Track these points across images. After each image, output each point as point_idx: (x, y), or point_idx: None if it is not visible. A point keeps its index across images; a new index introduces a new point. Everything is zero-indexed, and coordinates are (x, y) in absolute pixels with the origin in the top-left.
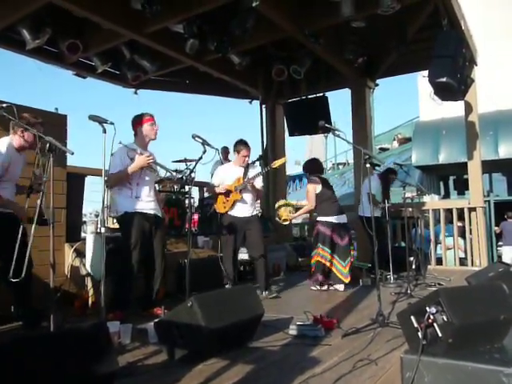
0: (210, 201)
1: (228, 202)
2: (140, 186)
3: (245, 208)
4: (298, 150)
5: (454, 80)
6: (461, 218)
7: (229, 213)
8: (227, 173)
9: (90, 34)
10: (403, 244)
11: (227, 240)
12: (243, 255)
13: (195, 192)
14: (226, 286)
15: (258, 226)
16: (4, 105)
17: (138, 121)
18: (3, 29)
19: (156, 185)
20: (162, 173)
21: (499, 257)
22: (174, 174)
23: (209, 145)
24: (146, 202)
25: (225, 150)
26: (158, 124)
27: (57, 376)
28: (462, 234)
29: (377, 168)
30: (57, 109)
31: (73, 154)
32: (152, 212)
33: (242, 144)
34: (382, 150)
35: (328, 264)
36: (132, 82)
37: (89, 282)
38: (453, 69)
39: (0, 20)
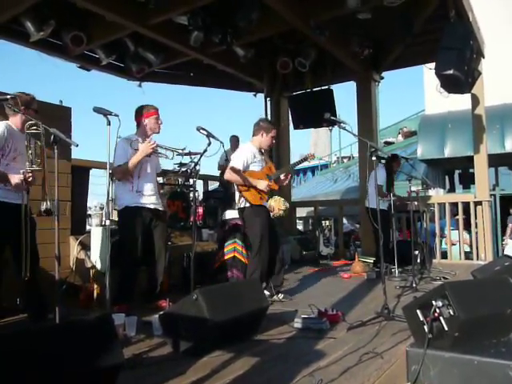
0: (215, 193)
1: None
2: (141, 179)
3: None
4: (302, 143)
5: (461, 72)
6: (465, 212)
7: (263, 204)
8: (255, 157)
9: (94, 26)
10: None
11: (261, 236)
12: None
13: (200, 185)
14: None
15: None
16: (8, 96)
17: (142, 112)
18: (7, 21)
19: (160, 178)
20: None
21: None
22: (180, 151)
23: (214, 137)
24: (147, 196)
25: (234, 139)
26: (161, 118)
27: (62, 368)
28: (466, 228)
29: (382, 161)
30: (61, 101)
31: (77, 145)
32: (153, 206)
33: (268, 123)
34: (387, 143)
35: (244, 260)
36: (136, 74)
37: (94, 275)
38: (460, 61)
39: (3, 12)
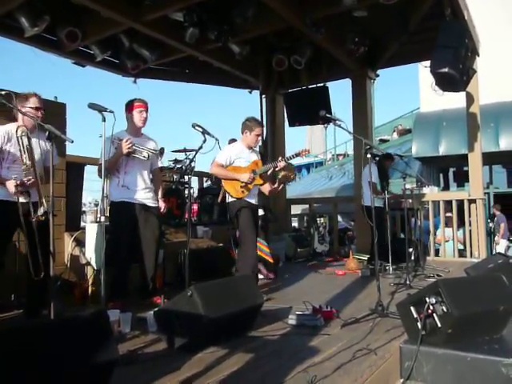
0: (210, 190)
1: (246, 186)
2: (128, 174)
3: (255, 196)
4: (297, 140)
5: (455, 71)
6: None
7: (245, 198)
8: (241, 154)
9: (89, 22)
10: (402, 235)
11: (248, 228)
12: None
13: (195, 182)
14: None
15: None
16: (3, 92)
17: (128, 107)
18: (1, 16)
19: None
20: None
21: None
22: (154, 152)
23: (209, 134)
24: (134, 191)
25: (233, 143)
26: (148, 112)
27: (57, 364)
28: (459, 226)
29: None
30: (56, 97)
31: (72, 142)
32: (140, 201)
33: (254, 121)
34: (382, 141)
35: (267, 257)
36: (131, 71)
37: (88, 271)
38: (455, 59)
39: None
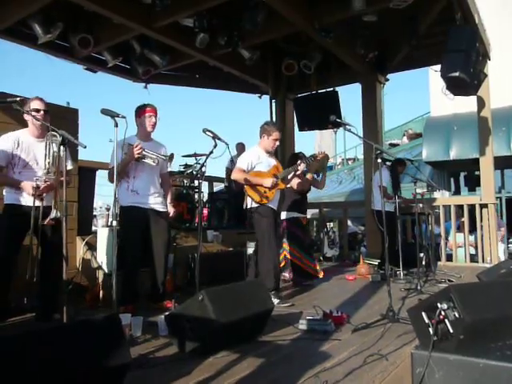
0: (220, 195)
1: (271, 191)
2: (137, 179)
3: (277, 201)
4: (306, 145)
5: (466, 75)
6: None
7: (267, 204)
8: (261, 158)
9: (101, 28)
10: (413, 240)
11: (269, 235)
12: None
13: (205, 186)
14: (274, 301)
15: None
16: (17, 98)
17: (138, 112)
18: (15, 23)
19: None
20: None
21: (510, 254)
22: (164, 157)
23: (219, 139)
24: (143, 196)
25: (240, 146)
26: (157, 116)
27: (70, 368)
28: (471, 230)
29: (387, 162)
30: (68, 103)
31: (85, 147)
32: (148, 206)
33: (272, 125)
34: (392, 145)
35: (296, 261)
36: (142, 76)
37: (100, 275)
38: (466, 63)
39: (12, 14)
